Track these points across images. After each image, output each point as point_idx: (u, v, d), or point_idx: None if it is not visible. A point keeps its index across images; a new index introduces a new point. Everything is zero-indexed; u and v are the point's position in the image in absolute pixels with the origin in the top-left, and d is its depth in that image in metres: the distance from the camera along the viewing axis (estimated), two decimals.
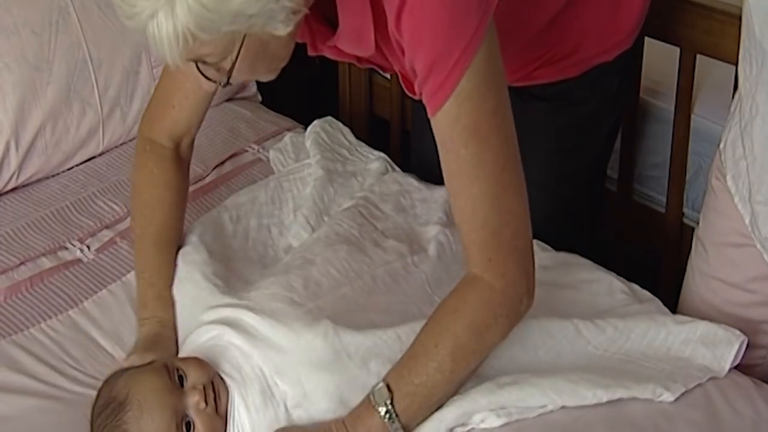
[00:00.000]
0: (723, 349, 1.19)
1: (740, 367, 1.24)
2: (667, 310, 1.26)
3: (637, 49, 1.39)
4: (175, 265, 1.26)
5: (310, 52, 1.20)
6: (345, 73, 1.97)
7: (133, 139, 1.57)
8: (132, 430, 1.06)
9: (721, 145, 1.25)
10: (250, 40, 1.01)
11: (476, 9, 1.03)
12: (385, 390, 1.08)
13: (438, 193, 1.40)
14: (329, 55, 1.20)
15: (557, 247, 1.36)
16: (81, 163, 1.55)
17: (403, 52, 1.08)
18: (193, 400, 1.07)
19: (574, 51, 1.31)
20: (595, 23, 1.30)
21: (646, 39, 1.47)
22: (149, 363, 1.12)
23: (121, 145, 1.59)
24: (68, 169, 1.54)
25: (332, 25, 1.13)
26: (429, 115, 1.08)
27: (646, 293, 1.29)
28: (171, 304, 1.23)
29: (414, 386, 1.08)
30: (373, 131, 2.00)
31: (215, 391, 1.09)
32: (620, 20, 1.32)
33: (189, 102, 1.27)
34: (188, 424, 1.07)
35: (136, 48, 1.58)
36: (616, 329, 1.20)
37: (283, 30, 1.00)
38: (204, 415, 1.07)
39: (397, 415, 1.07)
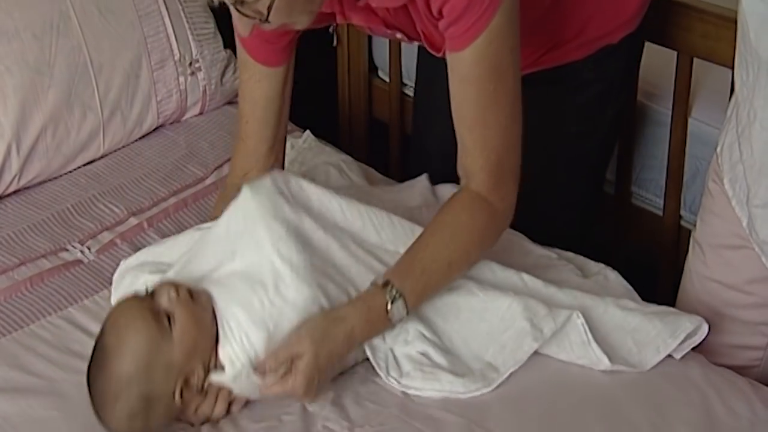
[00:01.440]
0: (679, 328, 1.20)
1: (737, 368, 1.24)
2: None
3: (640, 35, 1.40)
4: None
5: (339, 21, 1.24)
6: (344, 76, 1.97)
7: (135, 141, 1.61)
8: (115, 347, 1.07)
9: (718, 149, 1.25)
10: None
11: None
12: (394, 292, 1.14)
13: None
14: (357, 21, 1.24)
15: (554, 240, 1.36)
16: (82, 166, 1.55)
17: (429, 8, 1.13)
18: (165, 295, 1.08)
19: (579, 33, 1.33)
20: (599, 4, 1.32)
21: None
22: None
23: (121, 148, 1.59)
24: (69, 172, 1.54)
25: None
26: (454, 51, 1.13)
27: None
28: None
29: (422, 287, 1.16)
30: (373, 134, 2.01)
31: (190, 291, 1.10)
32: (624, 1, 1.33)
33: (252, 127, 1.32)
34: (168, 319, 1.07)
35: (136, 51, 1.58)
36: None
37: None
38: (180, 303, 1.08)
39: (401, 295, 1.14)
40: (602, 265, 1.33)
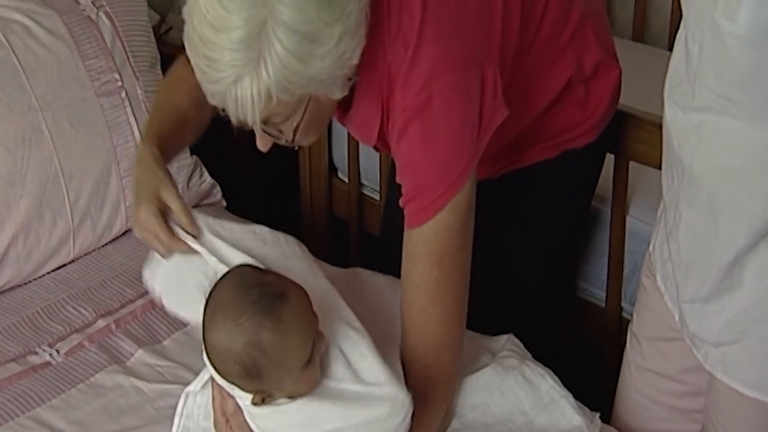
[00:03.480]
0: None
1: None
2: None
3: (604, 141, 1.45)
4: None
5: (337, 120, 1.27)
6: (306, 177, 2.02)
7: (104, 245, 1.62)
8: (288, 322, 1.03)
9: (650, 248, 1.31)
10: (313, 103, 1.08)
11: (468, 150, 1.13)
12: None
13: None
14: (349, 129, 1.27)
15: (510, 328, 1.37)
16: (52, 271, 1.56)
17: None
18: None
19: (549, 138, 1.38)
20: (568, 117, 1.37)
21: None
22: None
23: (91, 252, 1.60)
24: (39, 277, 1.55)
25: (342, 110, 1.20)
26: (406, 226, 1.16)
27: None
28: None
29: None
30: (333, 231, 2.05)
31: None
32: (587, 116, 1.39)
33: None
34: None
35: (106, 160, 1.60)
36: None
37: (339, 94, 1.09)
38: None
39: None
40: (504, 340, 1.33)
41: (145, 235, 1.18)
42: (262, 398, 1.09)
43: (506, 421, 1.23)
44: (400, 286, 1.20)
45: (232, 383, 1.09)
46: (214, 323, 1.05)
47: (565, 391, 1.26)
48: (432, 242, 1.14)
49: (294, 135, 1.11)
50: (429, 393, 1.17)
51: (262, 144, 1.14)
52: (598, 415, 1.27)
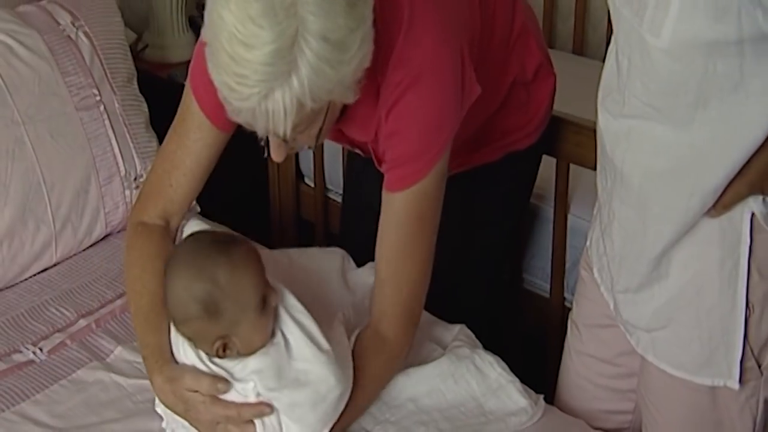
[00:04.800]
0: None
1: (612, 431, 1.29)
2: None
3: (542, 144, 1.47)
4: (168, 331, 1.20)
5: None
6: (275, 183, 2.02)
7: (85, 249, 1.60)
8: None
9: (588, 243, 1.32)
10: (331, 108, 1.08)
11: (449, 124, 1.15)
12: None
13: None
14: (330, 138, 1.26)
15: (461, 316, 1.39)
16: (35, 274, 1.54)
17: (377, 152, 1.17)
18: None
19: (495, 141, 1.40)
20: (512, 120, 1.39)
21: None
22: None
23: (72, 256, 1.58)
24: (24, 280, 1.53)
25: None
26: (386, 189, 1.17)
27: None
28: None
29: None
30: (300, 232, 2.05)
31: None
32: (529, 118, 1.41)
33: (186, 179, 1.26)
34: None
35: (86, 170, 1.58)
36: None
37: (352, 98, 1.07)
38: None
39: None
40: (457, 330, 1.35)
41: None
42: (223, 346, 1.09)
43: (459, 406, 1.24)
44: (376, 246, 1.20)
45: (194, 336, 1.09)
46: (174, 273, 1.09)
47: (512, 377, 1.27)
48: (414, 205, 1.16)
49: (317, 139, 1.09)
50: (400, 335, 1.20)
51: (278, 155, 1.12)
52: (542, 397, 1.28)
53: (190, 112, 1.26)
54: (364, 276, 1.36)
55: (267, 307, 1.11)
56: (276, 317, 1.14)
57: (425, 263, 1.20)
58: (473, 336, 1.34)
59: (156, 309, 1.19)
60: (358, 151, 1.33)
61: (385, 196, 1.19)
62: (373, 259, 1.27)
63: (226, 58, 1.00)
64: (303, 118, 1.04)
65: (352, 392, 1.17)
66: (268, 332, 1.12)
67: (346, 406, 1.16)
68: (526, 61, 1.37)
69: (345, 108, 1.16)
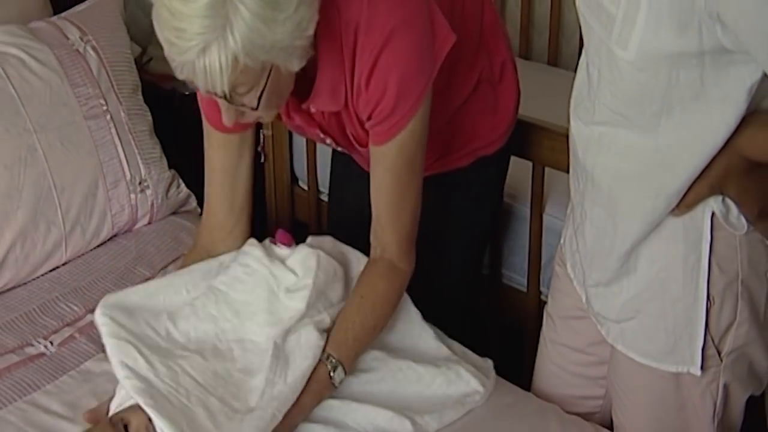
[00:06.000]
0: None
1: (584, 415, 1.29)
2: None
3: (509, 148, 1.47)
4: None
5: (284, 120, 1.27)
6: (271, 186, 2.00)
7: (93, 249, 1.58)
8: None
9: (562, 241, 1.32)
10: (274, 73, 1.05)
11: (426, 72, 1.15)
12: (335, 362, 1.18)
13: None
14: (297, 122, 1.25)
15: (442, 312, 1.39)
16: (46, 273, 1.53)
17: (357, 115, 1.17)
18: None
19: (463, 146, 1.39)
20: (479, 123, 1.39)
21: None
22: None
23: (81, 255, 1.57)
24: (35, 278, 1.52)
25: (303, 97, 1.19)
26: (377, 144, 1.18)
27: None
28: None
29: (355, 352, 1.21)
30: (295, 232, 2.03)
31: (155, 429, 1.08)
32: (498, 121, 1.41)
33: (210, 189, 1.31)
34: None
35: (94, 175, 1.58)
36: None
37: (297, 66, 1.07)
38: None
39: (340, 363, 1.18)
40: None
41: None
42: None
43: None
44: (371, 193, 1.22)
45: None
46: None
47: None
48: (403, 151, 1.18)
49: (258, 103, 1.07)
50: (404, 260, 1.24)
51: (227, 118, 1.10)
52: (490, 361, 1.30)
53: (204, 122, 1.29)
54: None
55: None
56: None
57: (418, 197, 1.23)
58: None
59: None
60: (330, 142, 1.31)
61: (374, 149, 1.19)
62: (360, 249, 1.28)
63: (165, 13, 1.00)
64: (240, 77, 1.02)
65: (368, 313, 1.21)
66: None
67: (361, 325, 1.20)
68: (494, 58, 1.36)
69: (310, 83, 1.15)
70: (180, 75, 1.05)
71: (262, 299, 1.24)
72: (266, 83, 1.06)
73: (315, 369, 1.17)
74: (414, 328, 1.31)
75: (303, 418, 1.17)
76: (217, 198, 1.31)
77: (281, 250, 1.33)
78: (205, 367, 1.17)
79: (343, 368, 1.19)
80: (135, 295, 1.27)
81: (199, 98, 1.26)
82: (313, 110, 1.22)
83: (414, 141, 1.18)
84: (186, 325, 1.22)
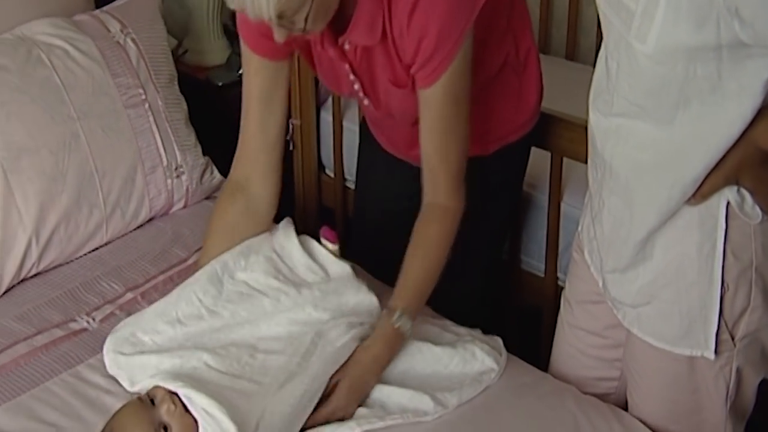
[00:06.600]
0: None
1: (599, 396, 1.29)
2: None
3: (530, 138, 1.46)
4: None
5: (316, 55, 1.26)
6: (299, 174, 2.01)
7: (131, 231, 1.60)
8: None
9: (579, 228, 1.32)
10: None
11: (466, 10, 1.14)
12: (400, 313, 1.19)
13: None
14: (329, 56, 1.24)
15: (461, 297, 1.40)
16: (88, 252, 1.55)
17: (398, 56, 1.17)
18: (164, 408, 1.08)
19: (490, 130, 1.38)
20: (504, 107, 1.38)
21: None
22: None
23: (120, 236, 1.59)
24: (78, 257, 1.54)
25: (340, 32, 1.19)
26: (424, 88, 1.18)
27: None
28: None
29: (418, 300, 1.23)
30: (322, 217, 2.05)
31: (181, 401, 1.10)
32: (521, 108, 1.40)
33: (246, 123, 1.31)
34: (165, 428, 1.08)
35: (133, 161, 1.59)
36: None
37: None
38: (175, 416, 1.08)
39: (406, 312, 1.19)
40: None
41: None
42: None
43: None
44: (421, 136, 1.21)
45: None
46: None
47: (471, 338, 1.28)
48: (449, 91, 1.17)
49: (305, 24, 1.08)
50: (455, 200, 1.24)
51: (279, 36, 1.11)
52: (499, 339, 1.30)
53: (242, 46, 1.28)
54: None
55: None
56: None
57: (466, 136, 1.22)
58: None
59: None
60: (357, 88, 1.28)
61: (422, 93, 1.19)
62: (382, 242, 1.26)
63: None
64: (286, 3, 1.04)
65: (423, 259, 1.22)
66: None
67: (418, 270, 1.21)
68: (520, 44, 1.35)
69: (347, 20, 1.15)
70: (231, 5, 1.07)
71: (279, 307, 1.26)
72: (311, 6, 1.07)
73: (381, 320, 1.19)
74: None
75: (381, 369, 1.18)
76: (253, 126, 1.30)
77: (327, 244, 1.35)
78: (227, 358, 1.18)
79: (408, 315, 1.19)
80: (146, 315, 1.28)
81: (238, 22, 1.26)
82: (347, 47, 1.21)
83: (459, 80, 1.17)
84: (198, 326, 1.24)
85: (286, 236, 1.38)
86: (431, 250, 1.24)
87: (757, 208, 1.08)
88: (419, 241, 1.24)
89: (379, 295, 1.31)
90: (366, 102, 1.31)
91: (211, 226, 1.35)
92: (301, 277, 1.32)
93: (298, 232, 1.60)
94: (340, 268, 1.33)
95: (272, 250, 1.35)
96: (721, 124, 1.01)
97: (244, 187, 1.33)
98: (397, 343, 1.21)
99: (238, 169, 1.35)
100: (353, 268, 1.33)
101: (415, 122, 1.27)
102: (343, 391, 1.15)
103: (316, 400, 1.13)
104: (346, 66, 1.25)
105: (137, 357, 1.22)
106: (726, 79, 0.98)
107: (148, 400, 1.11)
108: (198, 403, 1.09)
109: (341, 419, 1.15)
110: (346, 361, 1.17)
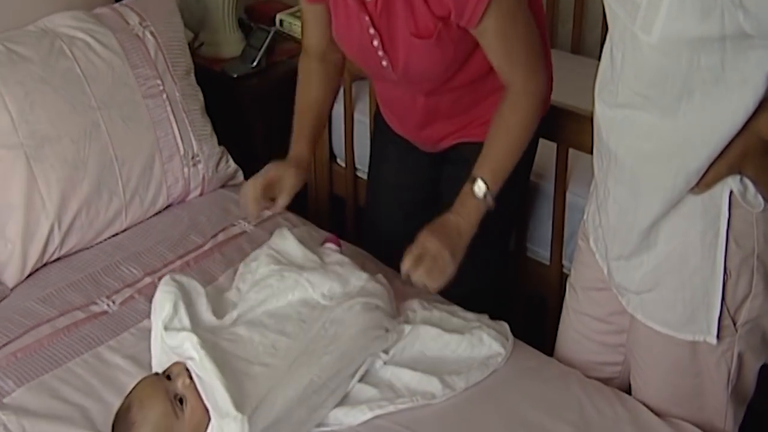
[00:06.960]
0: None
1: (603, 380, 1.29)
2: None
3: (538, 132, 1.43)
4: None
5: (333, 2, 1.28)
6: (311, 164, 2.01)
7: (150, 217, 1.61)
8: (139, 421, 1.08)
9: (585, 216, 1.31)
10: None
11: None
12: (482, 183, 1.24)
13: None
14: (346, 10, 1.25)
15: (471, 285, 1.38)
16: (109, 238, 1.56)
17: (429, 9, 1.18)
18: (180, 381, 1.11)
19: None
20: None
21: None
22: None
23: (139, 223, 1.60)
24: (99, 243, 1.55)
25: None
26: (472, 27, 1.20)
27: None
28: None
29: (501, 173, 1.27)
30: (333, 207, 2.05)
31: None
32: None
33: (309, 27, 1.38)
34: (180, 400, 1.10)
35: (151, 150, 1.60)
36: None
37: None
38: (190, 389, 1.10)
39: (479, 177, 1.24)
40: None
41: (242, 190, 1.31)
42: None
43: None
44: (495, 65, 1.25)
45: None
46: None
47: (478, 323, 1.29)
48: (497, 22, 1.18)
49: None
50: (533, 92, 1.26)
51: None
52: (505, 324, 1.30)
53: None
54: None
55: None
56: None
57: (529, 31, 1.23)
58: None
59: (298, 122, 1.39)
60: (377, 44, 1.27)
61: (475, 32, 1.20)
62: (393, 232, 1.26)
63: None
64: None
65: (502, 138, 1.26)
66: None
67: (501, 149, 1.26)
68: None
69: None
70: None
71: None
72: None
73: (462, 193, 1.23)
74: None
75: (471, 233, 1.23)
76: (313, 30, 1.37)
77: (331, 249, 1.38)
78: (241, 341, 1.19)
79: (484, 181, 1.22)
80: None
81: None
82: None
83: (508, 5, 1.18)
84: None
85: (281, 237, 1.40)
86: (509, 133, 1.26)
87: (760, 197, 1.08)
88: (499, 126, 1.26)
89: (390, 283, 1.32)
90: (384, 63, 1.29)
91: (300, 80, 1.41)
92: (300, 264, 1.33)
93: (310, 220, 1.63)
94: (338, 257, 1.35)
95: (269, 247, 1.37)
96: (725, 115, 1.01)
97: (322, 58, 1.40)
98: (473, 214, 1.24)
99: (305, 60, 1.41)
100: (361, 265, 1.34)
101: (430, 92, 1.25)
102: (424, 235, 1.18)
103: (322, 395, 1.14)
104: (367, 18, 1.24)
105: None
106: (729, 70, 0.97)
107: (164, 376, 1.13)
108: (199, 373, 1.12)
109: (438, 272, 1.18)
110: (434, 230, 1.20)
